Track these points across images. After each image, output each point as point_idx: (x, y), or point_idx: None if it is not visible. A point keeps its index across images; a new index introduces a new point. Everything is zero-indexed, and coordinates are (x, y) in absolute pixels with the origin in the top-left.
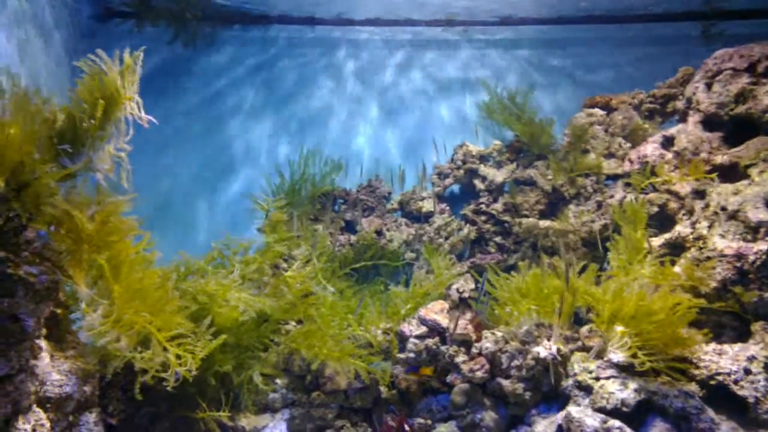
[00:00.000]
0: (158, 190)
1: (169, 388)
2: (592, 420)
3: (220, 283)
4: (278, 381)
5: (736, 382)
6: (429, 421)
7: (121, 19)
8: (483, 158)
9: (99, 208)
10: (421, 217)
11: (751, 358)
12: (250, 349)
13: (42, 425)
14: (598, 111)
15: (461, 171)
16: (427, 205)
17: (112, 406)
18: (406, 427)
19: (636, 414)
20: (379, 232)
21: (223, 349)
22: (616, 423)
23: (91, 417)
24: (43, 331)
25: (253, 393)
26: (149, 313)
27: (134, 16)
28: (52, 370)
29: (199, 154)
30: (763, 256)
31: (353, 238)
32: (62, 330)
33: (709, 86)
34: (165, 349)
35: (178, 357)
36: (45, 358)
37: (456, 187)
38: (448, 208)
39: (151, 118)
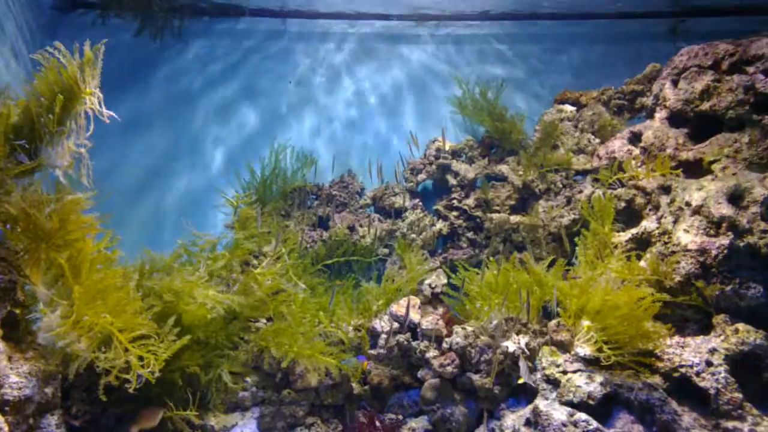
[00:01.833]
0: (122, 186)
1: (131, 390)
2: (559, 413)
3: (187, 281)
4: (248, 379)
5: (698, 374)
6: (400, 416)
7: (85, 9)
8: (455, 154)
9: (57, 205)
10: (394, 213)
11: (713, 351)
12: (218, 347)
13: (0, 429)
14: (568, 107)
15: (434, 166)
16: (400, 201)
17: (76, 407)
18: (377, 423)
19: (602, 407)
20: (351, 228)
21: (191, 347)
22: (583, 416)
23: (53, 419)
24: (0, 332)
25: (222, 392)
26: (110, 314)
27: (98, 6)
28: (11, 372)
29: (166, 150)
30: (725, 251)
31: (326, 234)
32: (21, 331)
33: (675, 83)
34: (127, 350)
35: (141, 358)
36: (2, 359)
37: (429, 183)
38: (420, 203)
39: (112, 113)
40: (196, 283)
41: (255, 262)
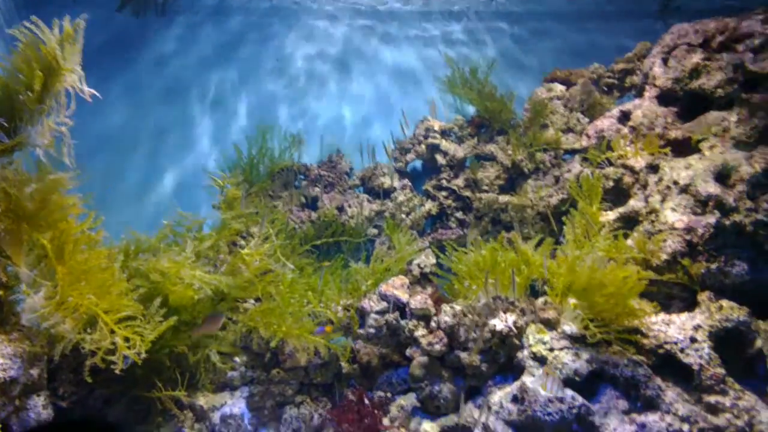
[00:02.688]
0: (106, 166)
1: (117, 372)
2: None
3: (173, 261)
4: (237, 359)
5: (682, 350)
6: (389, 394)
7: None
8: (444, 133)
9: (39, 185)
10: (382, 193)
11: (697, 327)
12: None
13: None
14: (557, 86)
15: (423, 146)
16: (389, 181)
17: (62, 388)
18: (366, 401)
19: (588, 383)
20: (340, 209)
21: (179, 328)
22: (569, 392)
23: (39, 400)
24: None
25: (211, 372)
26: (95, 295)
27: None
28: None
29: (151, 128)
30: (711, 229)
31: (314, 214)
32: (5, 312)
33: (665, 61)
34: (113, 332)
35: (127, 339)
36: None
37: (418, 163)
38: (409, 183)
39: (93, 91)
40: (183, 264)
41: (243, 242)
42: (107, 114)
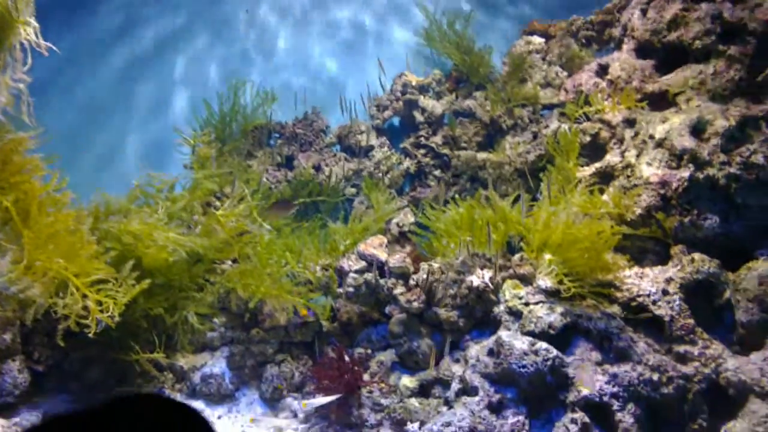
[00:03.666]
0: (70, 125)
1: (91, 335)
2: (521, 343)
3: (145, 223)
4: (216, 320)
5: (654, 302)
6: (369, 351)
7: None
8: (422, 89)
9: None
10: (360, 151)
11: (669, 280)
12: (183, 289)
13: None
14: (536, 39)
15: (400, 103)
16: (366, 139)
17: (38, 352)
18: (346, 357)
19: (562, 336)
20: (317, 168)
21: (154, 290)
22: (543, 345)
23: (14, 365)
24: None
25: (189, 333)
26: (64, 259)
27: None
28: None
29: (116, 84)
30: (685, 183)
31: (290, 174)
32: None
33: (644, 12)
34: (85, 296)
35: (100, 303)
36: None
37: (396, 120)
38: (387, 141)
39: (51, 45)
40: (155, 226)
41: (218, 203)
42: (67, 69)
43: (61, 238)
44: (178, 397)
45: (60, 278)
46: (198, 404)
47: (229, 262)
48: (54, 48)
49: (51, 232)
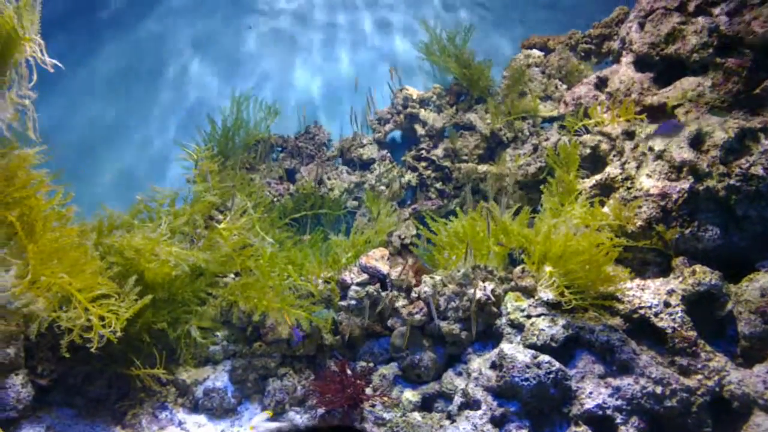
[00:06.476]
0: (74, 141)
1: (93, 350)
2: (523, 356)
3: (147, 237)
4: (218, 334)
5: (656, 314)
6: (371, 364)
7: None
8: (423, 102)
9: (3, 161)
10: (358, 165)
11: (671, 292)
12: (185, 303)
13: None
14: (536, 52)
15: (402, 116)
16: (368, 152)
17: (41, 366)
18: (349, 371)
19: (564, 348)
20: (319, 181)
21: (156, 304)
22: (546, 358)
23: (17, 379)
24: None
25: (192, 347)
26: (68, 274)
27: None
28: None
29: (121, 100)
30: (685, 195)
31: (293, 187)
32: None
33: (642, 26)
34: (87, 310)
35: (102, 318)
36: None
37: (397, 133)
38: (389, 154)
39: (56, 62)
40: (157, 240)
41: (220, 217)
42: (72, 87)
43: (65, 253)
44: (181, 411)
45: (63, 293)
46: (200, 418)
47: (232, 276)
48: (60, 65)
49: (56, 246)
